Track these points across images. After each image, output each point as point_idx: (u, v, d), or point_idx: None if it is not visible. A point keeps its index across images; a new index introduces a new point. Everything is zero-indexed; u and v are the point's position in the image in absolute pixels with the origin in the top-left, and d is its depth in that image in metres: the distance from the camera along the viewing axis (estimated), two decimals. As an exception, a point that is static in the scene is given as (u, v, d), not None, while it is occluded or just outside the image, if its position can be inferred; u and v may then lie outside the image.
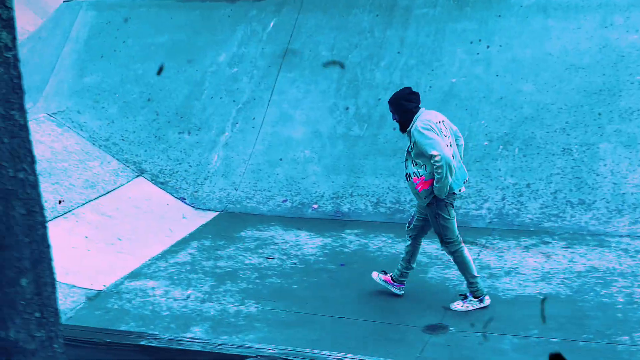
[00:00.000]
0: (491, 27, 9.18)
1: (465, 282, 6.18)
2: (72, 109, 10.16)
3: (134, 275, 7.11)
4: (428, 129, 5.77)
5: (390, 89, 9.14)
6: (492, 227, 7.73)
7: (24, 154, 3.13)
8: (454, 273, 6.76)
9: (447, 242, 6.03)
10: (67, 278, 6.99)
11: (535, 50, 8.86)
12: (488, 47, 9.04)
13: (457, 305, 6.13)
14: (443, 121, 5.99)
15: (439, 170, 5.71)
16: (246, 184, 8.96)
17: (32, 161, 3.18)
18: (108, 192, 8.69)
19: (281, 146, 9.17)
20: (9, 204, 3.06)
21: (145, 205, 8.61)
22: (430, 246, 7.36)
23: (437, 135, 5.78)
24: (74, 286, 6.88)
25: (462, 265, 6.07)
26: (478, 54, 9.03)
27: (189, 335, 5.96)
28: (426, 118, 5.89)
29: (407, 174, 6.05)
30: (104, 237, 7.80)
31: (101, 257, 7.44)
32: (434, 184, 5.79)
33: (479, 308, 6.08)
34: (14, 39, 3.07)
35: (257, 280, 6.87)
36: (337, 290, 6.57)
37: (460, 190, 5.99)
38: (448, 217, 5.96)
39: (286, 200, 8.64)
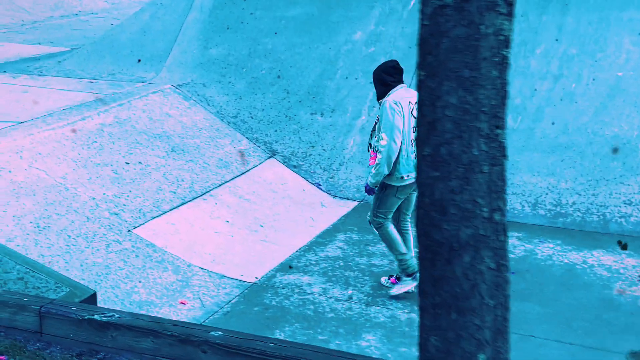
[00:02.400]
0: (662, 17, 8.38)
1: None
2: (197, 81, 9.69)
3: (285, 268, 6.61)
4: (394, 110, 5.66)
5: (547, 79, 8.46)
6: (671, 239, 7.02)
7: (501, 187, 2.38)
8: (644, 291, 6.11)
9: (376, 214, 5.89)
10: (215, 267, 6.54)
11: None
12: (659, 39, 8.26)
13: (395, 290, 6.01)
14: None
15: (379, 155, 5.65)
16: (386, 173, 8.37)
17: (505, 197, 2.43)
18: (242, 174, 8.20)
19: (424, 134, 8.55)
20: (477, 254, 2.37)
21: (281, 190, 8.11)
22: (606, 257, 6.70)
23: (401, 119, 5.64)
24: (224, 276, 6.42)
25: (387, 242, 5.96)
26: (648, 46, 8.26)
27: (362, 343, 5.44)
28: (400, 95, 5.78)
29: (369, 143, 6.00)
30: (245, 223, 7.32)
31: (246, 245, 6.96)
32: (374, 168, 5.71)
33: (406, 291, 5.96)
34: (511, 32, 2.41)
35: (422, 284, 6.30)
36: (515, 303, 5.88)
37: (408, 176, 5.75)
38: (393, 195, 5.83)
39: (431, 193, 8.04)
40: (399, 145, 5.65)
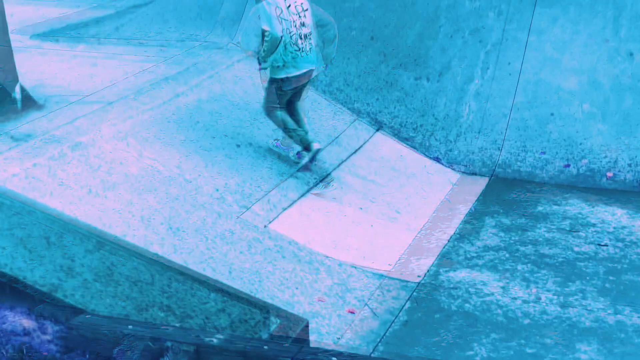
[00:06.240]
0: None
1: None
2: (280, 46, 8.75)
3: (445, 262, 5.82)
4: (269, 5, 6.18)
5: (687, 33, 7.62)
6: None
7: None
8: None
9: (265, 105, 6.59)
10: (368, 264, 5.74)
11: None
12: None
13: (271, 141, 6.76)
14: (302, 3, 6.39)
15: (265, 44, 6.24)
16: (512, 143, 7.56)
17: None
18: (356, 151, 7.35)
19: (550, 98, 7.72)
20: None
21: (402, 167, 7.28)
22: None
23: (277, 11, 6.19)
24: (383, 275, 5.63)
25: (278, 124, 6.56)
26: None
27: (580, 356, 4.70)
28: None
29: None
30: (380, 209, 6.50)
31: (390, 236, 6.16)
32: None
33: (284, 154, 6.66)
34: None
35: (611, 278, 5.54)
36: None
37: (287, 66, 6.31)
38: (279, 90, 6.41)
39: (569, 165, 7.26)
40: (280, 32, 6.18)
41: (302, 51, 6.38)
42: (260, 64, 6.42)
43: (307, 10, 6.46)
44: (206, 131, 6.72)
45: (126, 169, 5.82)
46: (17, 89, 6.57)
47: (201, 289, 3.81)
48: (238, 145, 6.70)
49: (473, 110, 7.87)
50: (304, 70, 6.45)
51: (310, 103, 7.90)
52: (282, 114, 6.54)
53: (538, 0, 8.24)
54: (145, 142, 6.23)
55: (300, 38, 6.35)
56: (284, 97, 6.53)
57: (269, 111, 6.59)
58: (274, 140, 6.81)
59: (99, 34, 9.48)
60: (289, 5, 6.30)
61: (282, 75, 6.40)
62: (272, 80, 6.47)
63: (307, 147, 6.54)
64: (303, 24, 6.38)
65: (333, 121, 7.71)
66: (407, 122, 7.93)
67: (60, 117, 6.46)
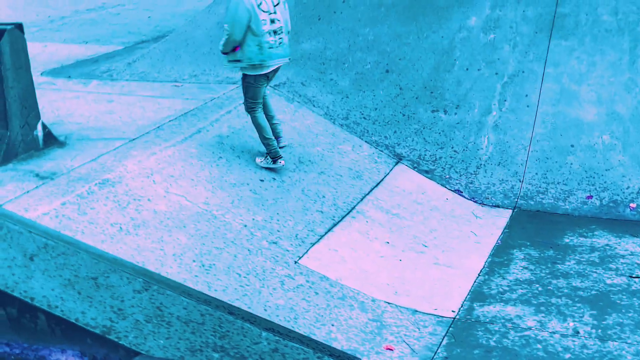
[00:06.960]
0: None
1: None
2: (295, 80, 8.75)
3: (478, 297, 5.76)
4: (238, 5, 6.24)
5: None
6: None
7: None
8: None
9: (246, 101, 6.71)
10: (401, 299, 5.67)
11: None
12: None
13: (258, 160, 6.85)
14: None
15: (223, 39, 6.45)
16: (533, 175, 7.54)
17: None
18: (378, 184, 7.31)
19: (569, 130, 7.73)
20: None
21: (424, 200, 7.24)
22: None
23: (247, 14, 6.24)
24: (417, 311, 5.56)
25: (257, 127, 6.75)
26: None
27: (627, 391, 4.63)
28: None
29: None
30: (406, 243, 6.45)
31: (419, 270, 6.09)
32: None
33: (270, 168, 6.79)
34: None
35: (647, 309, 5.50)
36: None
37: (261, 65, 6.46)
38: (253, 83, 6.58)
39: (591, 196, 7.23)
40: (239, 35, 6.29)
41: (273, 47, 6.45)
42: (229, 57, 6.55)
43: (277, 5, 6.52)
44: (229, 166, 6.67)
45: (154, 206, 5.75)
46: (39, 126, 6.52)
47: (252, 329, 3.74)
48: (262, 180, 6.65)
49: (492, 142, 7.86)
50: (275, 66, 6.60)
51: (328, 137, 7.89)
52: (262, 120, 6.73)
53: (553, 32, 8.30)
54: (171, 178, 6.18)
55: (271, 34, 6.40)
56: (260, 90, 6.67)
57: (250, 110, 6.72)
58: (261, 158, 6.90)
59: (111, 70, 9.45)
60: (260, 3, 6.33)
61: (258, 72, 6.53)
62: (246, 77, 6.62)
63: (276, 159, 6.74)
64: (273, 21, 6.43)
65: (353, 154, 7.68)
66: (425, 154, 7.91)
67: (84, 154, 6.40)
